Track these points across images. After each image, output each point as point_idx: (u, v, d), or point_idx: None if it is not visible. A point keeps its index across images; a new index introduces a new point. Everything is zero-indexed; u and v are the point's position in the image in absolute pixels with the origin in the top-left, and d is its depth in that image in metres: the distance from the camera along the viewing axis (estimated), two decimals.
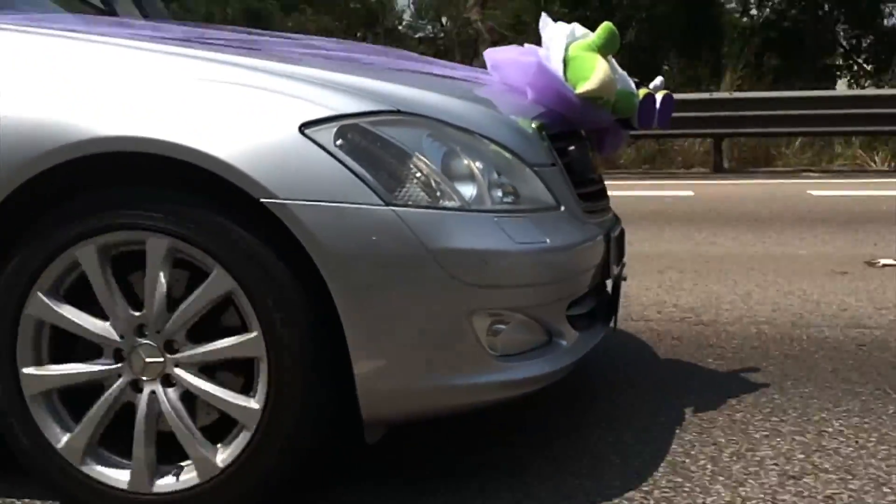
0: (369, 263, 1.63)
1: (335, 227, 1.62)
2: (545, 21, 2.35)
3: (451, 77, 2.34)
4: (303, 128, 1.64)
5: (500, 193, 1.84)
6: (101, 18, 2.66)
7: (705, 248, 5.00)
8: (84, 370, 1.75)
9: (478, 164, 1.78)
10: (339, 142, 1.65)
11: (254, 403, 1.68)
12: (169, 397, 1.71)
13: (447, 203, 1.70)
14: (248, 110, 1.67)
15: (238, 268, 1.65)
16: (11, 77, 1.73)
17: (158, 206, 1.68)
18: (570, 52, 2.22)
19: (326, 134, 1.65)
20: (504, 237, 1.73)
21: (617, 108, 2.29)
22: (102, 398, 1.73)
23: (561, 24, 2.35)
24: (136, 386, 1.73)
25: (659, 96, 2.38)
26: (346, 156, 1.65)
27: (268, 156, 1.63)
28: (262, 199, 1.61)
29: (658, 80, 2.53)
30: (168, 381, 1.72)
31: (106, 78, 1.73)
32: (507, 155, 1.86)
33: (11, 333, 1.74)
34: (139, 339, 1.72)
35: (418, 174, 1.69)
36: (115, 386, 1.73)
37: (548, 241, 1.82)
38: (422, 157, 1.70)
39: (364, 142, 1.67)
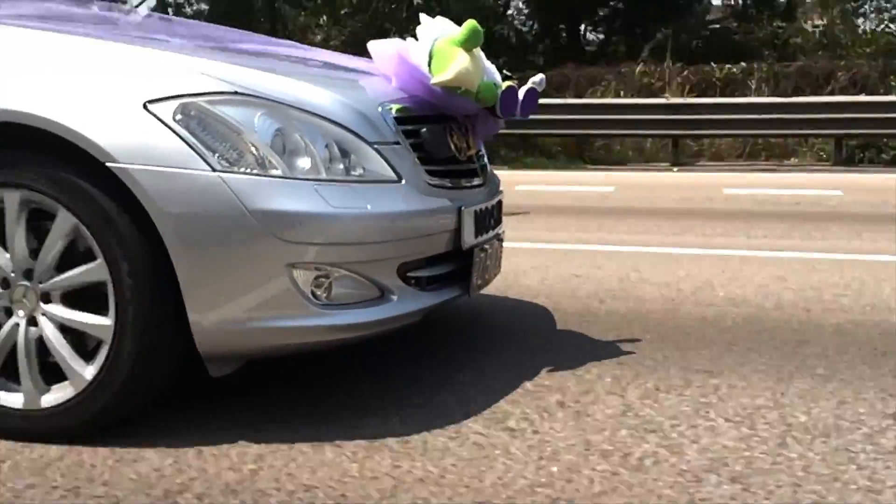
0: (198, 221, 1.94)
1: (169, 189, 1.93)
2: (423, 18, 2.64)
3: (341, 67, 2.66)
4: (147, 104, 1.96)
5: (340, 166, 2.13)
6: None
7: None
8: None
9: (312, 139, 2.08)
10: (178, 117, 1.96)
11: (106, 320, 1.99)
12: (46, 327, 2.04)
13: (273, 172, 1.99)
14: (103, 88, 2.00)
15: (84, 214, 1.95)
16: None
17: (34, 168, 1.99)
18: (435, 46, 2.50)
19: (167, 109, 1.96)
20: (321, 201, 2.01)
21: (479, 98, 2.55)
22: None
23: (437, 20, 2.63)
24: (16, 322, 2.06)
25: (522, 90, 2.64)
26: (183, 129, 1.96)
27: (114, 127, 1.95)
28: (107, 163, 1.93)
29: (538, 76, 2.79)
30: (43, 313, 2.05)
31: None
32: (346, 133, 2.15)
33: None
34: (20, 281, 2.05)
35: (247, 147, 1.99)
36: (5, 326, 2.06)
37: (368, 207, 2.10)
38: (252, 133, 2.00)
39: (201, 117, 1.98)
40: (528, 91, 2.65)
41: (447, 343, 2.96)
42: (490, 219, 2.64)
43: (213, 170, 1.94)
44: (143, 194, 1.92)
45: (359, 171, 2.17)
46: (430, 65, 2.49)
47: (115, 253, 1.95)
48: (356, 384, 2.50)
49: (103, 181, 1.95)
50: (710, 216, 6.45)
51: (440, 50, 2.49)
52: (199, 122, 1.97)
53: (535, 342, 2.94)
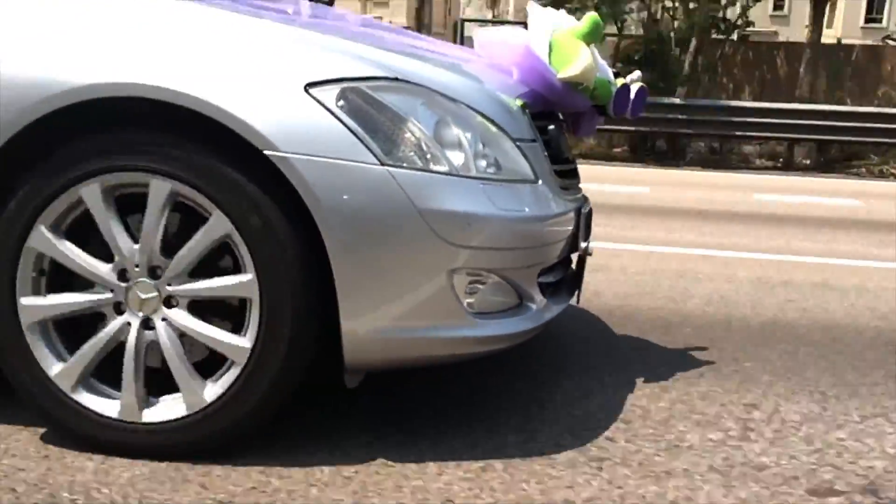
0: (362, 218, 1.75)
1: (332, 181, 1.73)
2: (532, 7, 2.49)
3: (443, 54, 2.47)
4: (308, 87, 1.75)
5: (483, 163, 1.97)
6: None
7: None
8: (80, 300, 1.84)
9: (466, 133, 1.91)
10: (340, 102, 1.76)
11: (245, 342, 1.79)
12: (166, 332, 1.82)
13: (437, 167, 1.82)
14: (259, 68, 1.77)
15: (238, 214, 1.75)
16: (12, 26, 1.79)
17: (163, 151, 1.77)
18: (555, 38, 2.36)
19: (329, 94, 1.76)
20: (488, 203, 1.85)
21: (595, 95, 2.43)
22: (101, 333, 1.83)
23: (548, 10, 2.49)
24: (129, 322, 1.83)
25: (634, 88, 2.53)
26: (346, 116, 1.76)
27: (273, 111, 1.73)
28: (265, 151, 1.72)
29: (636, 73, 2.68)
30: (164, 318, 1.82)
31: (131, 27, 1.80)
32: (492, 127, 1.98)
33: (13, 265, 1.83)
34: (136, 278, 1.81)
35: (412, 138, 1.81)
36: (113, 323, 1.83)
37: (526, 209, 1.95)
38: (416, 123, 1.82)
39: (364, 104, 1.79)
40: (639, 90, 2.54)
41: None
42: (590, 222, 2.53)
43: (381, 163, 1.76)
44: (304, 188, 1.72)
45: (493, 169, 2.01)
46: (549, 58, 2.35)
47: (271, 269, 1.75)
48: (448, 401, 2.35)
49: (258, 175, 1.74)
50: None
51: (560, 42, 2.35)
52: (361, 109, 1.78)
53: None
